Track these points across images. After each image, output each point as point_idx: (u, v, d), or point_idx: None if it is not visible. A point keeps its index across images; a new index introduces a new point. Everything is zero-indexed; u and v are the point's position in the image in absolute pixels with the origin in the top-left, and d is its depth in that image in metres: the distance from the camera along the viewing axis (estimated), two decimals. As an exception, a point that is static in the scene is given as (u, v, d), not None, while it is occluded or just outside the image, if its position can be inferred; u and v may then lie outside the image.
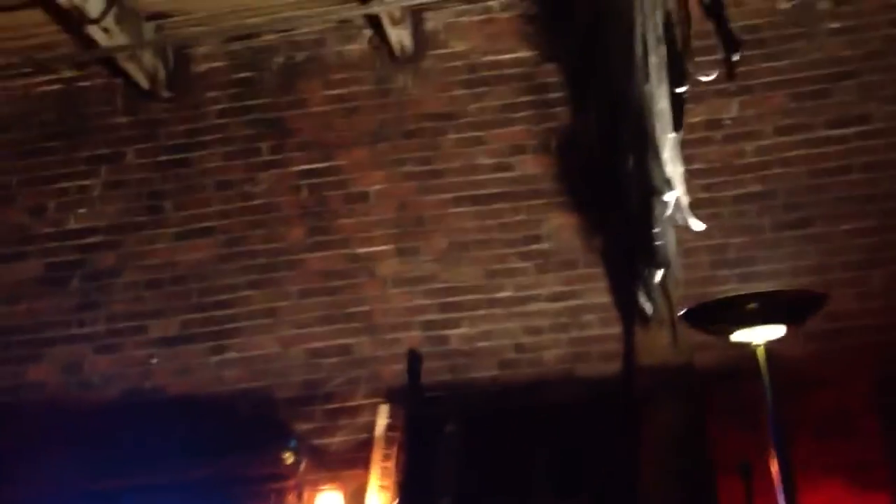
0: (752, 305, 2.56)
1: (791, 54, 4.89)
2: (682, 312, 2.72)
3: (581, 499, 4.25)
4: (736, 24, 4.59)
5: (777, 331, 2.60)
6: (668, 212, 4.30)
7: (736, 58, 4.42)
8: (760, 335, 2.56)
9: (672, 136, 4.31)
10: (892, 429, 3.86)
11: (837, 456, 4.23)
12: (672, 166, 4.28)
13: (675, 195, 4.26)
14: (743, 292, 3.14)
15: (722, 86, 4.78)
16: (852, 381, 4.28)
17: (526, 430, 4.43)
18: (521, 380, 4.69)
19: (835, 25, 4.89)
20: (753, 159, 4.81)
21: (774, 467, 2.51)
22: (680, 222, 4.33)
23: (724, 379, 4.30)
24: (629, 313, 4.59)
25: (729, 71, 3.94)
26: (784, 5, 4.93)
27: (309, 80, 5.25)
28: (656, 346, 4.43)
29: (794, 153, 4.77)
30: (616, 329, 4.68)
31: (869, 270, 4.56)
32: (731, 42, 4.28)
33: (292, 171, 5.12)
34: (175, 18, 5.19)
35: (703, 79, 4.11)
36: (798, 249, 4.64)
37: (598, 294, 4.76)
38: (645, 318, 4.42)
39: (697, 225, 4.33)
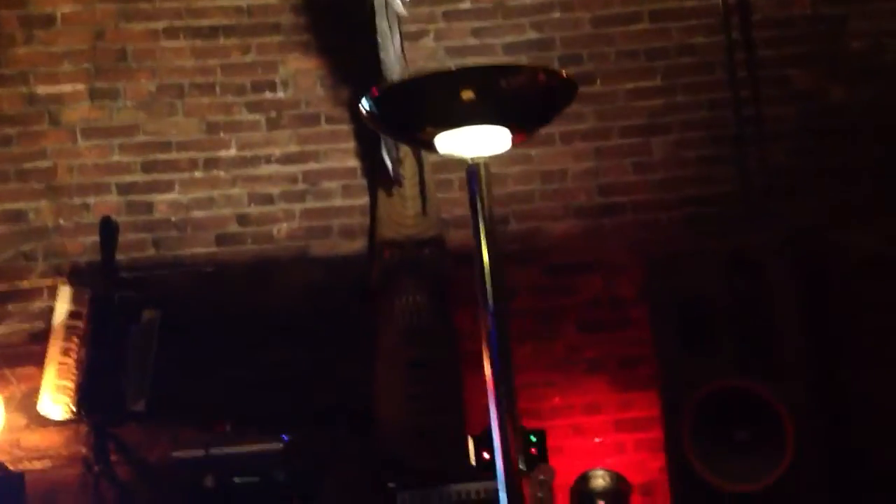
0: (469, 92, 1.64)
1: None
2: (364, 104, 1.68)
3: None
4: None
5: (501, 136, 1.67)
6: None
7: None
8: (477, 140, 1.65)
9: None
10: (662, 321, 3.32)
11: (603, 349, 3.72)
12: None
13: None
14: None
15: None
16: (624, 265, 3.74)
17: (245, 319, 3.70)
18: (244, 258, 3.92)
19: None
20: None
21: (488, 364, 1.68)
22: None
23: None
24: (375, 178, 3.86)
25: None
26: None
27: None
28: (401, 216, 3.71)
29: (577, -4, 4.09)
30: (363, 200, 3.95)
31: (649, 137, 3.99)
32: None
33: (-50, -17, 3.99)
34: None
35: None
36: (573, 109, 3.99)
37: (343, 156, 4.02)
38: (388, 181, 3.68)
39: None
